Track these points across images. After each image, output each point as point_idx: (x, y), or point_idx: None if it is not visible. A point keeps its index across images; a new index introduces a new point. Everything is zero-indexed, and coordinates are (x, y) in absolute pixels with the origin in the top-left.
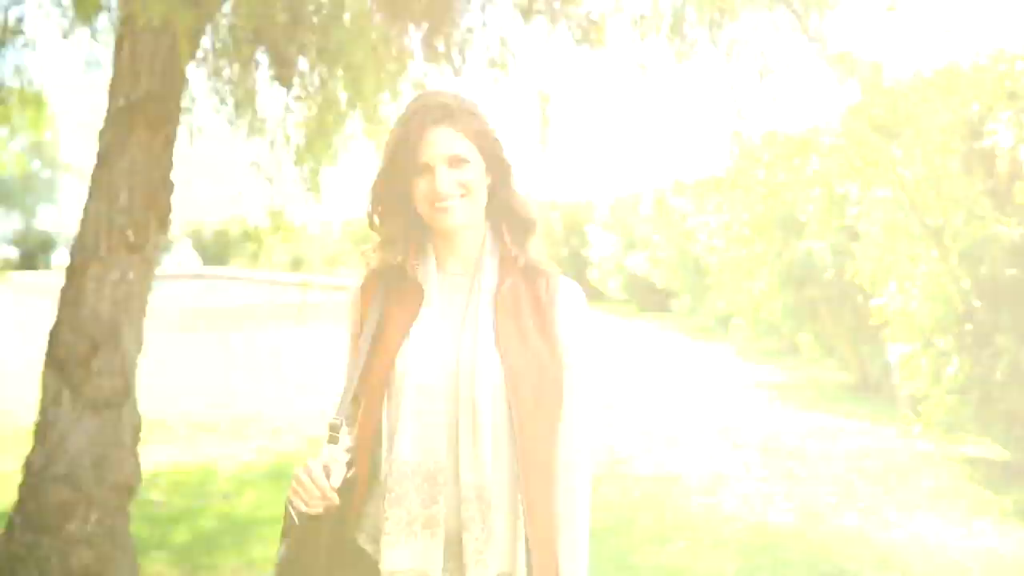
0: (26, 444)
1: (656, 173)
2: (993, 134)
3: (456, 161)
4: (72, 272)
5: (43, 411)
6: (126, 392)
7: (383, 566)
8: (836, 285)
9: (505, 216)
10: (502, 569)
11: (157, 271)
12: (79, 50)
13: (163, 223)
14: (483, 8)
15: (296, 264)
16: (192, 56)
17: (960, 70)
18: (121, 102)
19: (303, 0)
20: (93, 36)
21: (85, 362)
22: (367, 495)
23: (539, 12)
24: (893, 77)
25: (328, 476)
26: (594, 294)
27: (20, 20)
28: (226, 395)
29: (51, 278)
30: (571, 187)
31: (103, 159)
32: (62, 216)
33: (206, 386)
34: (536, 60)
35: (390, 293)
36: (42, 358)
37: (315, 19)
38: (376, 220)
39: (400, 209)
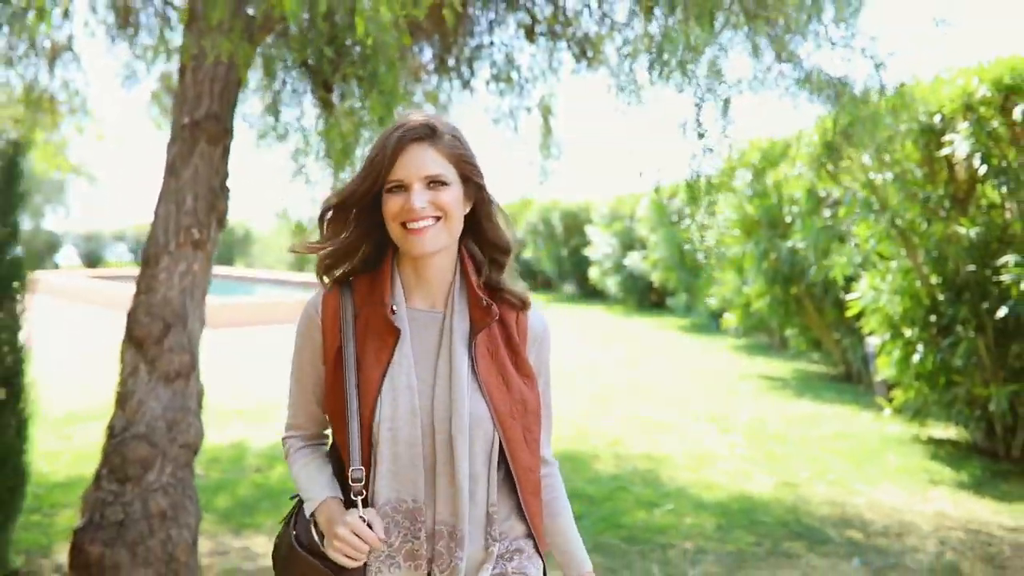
0: (64, 427)
1: (651, 176)
2: (951, 144)
3: (434, 182)
4: (146, 264)
5: (123, 382)
6: (192, 366)
7: None
8: (819, 282)
9: (481, 245)
10: None
11: None
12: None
13: (221, 223)
14: (490, 28)
15: (300, 264)
16: (246, 80)
17: (923, 84)
18: (185, 120)
19: (344, 35)
20: (135, 53)
21: (159, 341)
22: None
23: (541, 33)
24: (861, 91)
25: (371, 527)
26: (593, 292)
27: (70, 38)
28: (246, 385)
29: (56, 277)
30: (572, 189)
31: (171, 169)
32: (70, 217)
33: (227, 377)
34: (538, 75)
35: (359, 326)
36: (48, 355)
37: (356, 51)
38: (328, 224)
39: (359, 220)
